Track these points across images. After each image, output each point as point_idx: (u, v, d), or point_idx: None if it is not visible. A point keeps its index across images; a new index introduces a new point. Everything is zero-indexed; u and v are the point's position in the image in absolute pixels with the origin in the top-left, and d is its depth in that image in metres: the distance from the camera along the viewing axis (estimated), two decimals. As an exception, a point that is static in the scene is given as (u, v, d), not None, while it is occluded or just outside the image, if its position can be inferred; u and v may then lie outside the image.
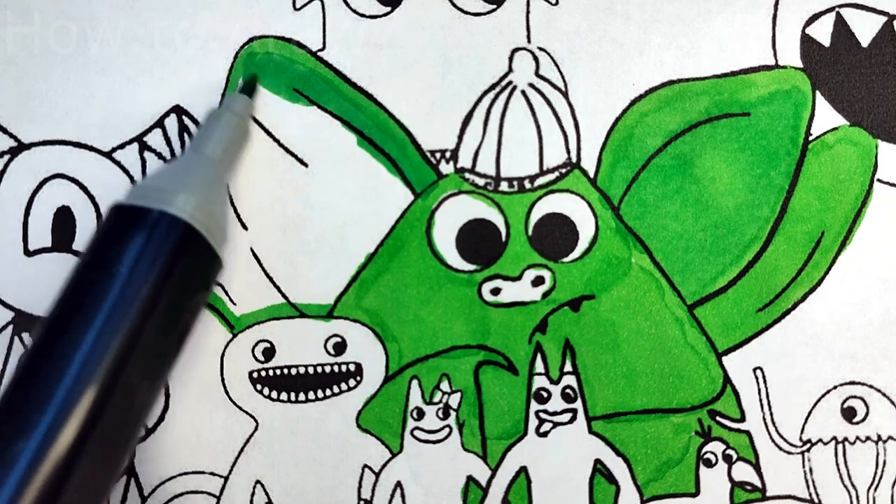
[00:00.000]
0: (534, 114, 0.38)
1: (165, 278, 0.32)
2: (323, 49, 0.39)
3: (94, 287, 0.31)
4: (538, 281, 0.38)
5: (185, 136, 0.39)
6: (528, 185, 0.38)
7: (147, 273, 0.31)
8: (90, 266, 0.32)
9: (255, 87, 0.38)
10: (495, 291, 0.38)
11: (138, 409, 0.32)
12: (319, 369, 0.37)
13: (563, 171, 0.38)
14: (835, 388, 0.37)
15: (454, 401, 0.37)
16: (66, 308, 0.31)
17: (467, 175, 0.38)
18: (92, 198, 0.38)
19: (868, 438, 0.37)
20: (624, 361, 0.37)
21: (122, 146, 0.39)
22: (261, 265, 0.38)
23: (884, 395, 0.37)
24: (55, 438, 0.29)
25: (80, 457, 0.29)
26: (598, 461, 0.37)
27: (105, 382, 0.30)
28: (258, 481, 0.37)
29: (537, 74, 0.39)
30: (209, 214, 0.33)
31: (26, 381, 0.30)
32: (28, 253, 0.38)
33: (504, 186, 0.38)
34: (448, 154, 0.38)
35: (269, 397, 0.37)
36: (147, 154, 0.38)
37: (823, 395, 0.37)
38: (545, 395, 0.37)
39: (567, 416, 0.37)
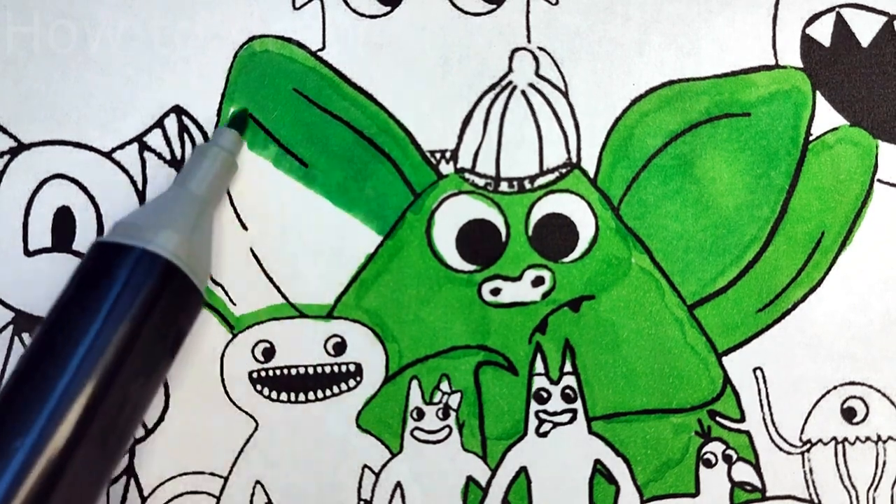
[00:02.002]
0: (534, 114, 0.38)
1: (146, 316, 0.32)
2: (323, 49, 0.39)
3: (75, 324, 0.32)
4: (538, 281, 0.38)
5: (185, 135, 0.38)
6: (527, 185, 0.38)
7: (127, 310, 0.32)
8: (72, 303, 0.32)
9: (245, 122, 0.38)
10: (495, 292, 0.37)
11: (129, 414, 0.33)
12: (319, 369, 0.37)
13: (563, 171, 0.38)
14: (835, 388, 0.37)
15: (454, 401, 0.37)
16: (50, 338, 0.32)
17: (467, 175, 0.38)
18: (92, 198, 0.38)
19: (868, 439, 0.36)
20: (624, 362, 0.37)
21: (121, 146, 0.39)
22: (261, 265, 0.38)
23: (884, 395, 0.37)
24: (50, 437, 0.30)
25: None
26: (597, 461, 0.37)
27: (92, 397, 0.31)
28: (258, 481, 0.37)
29: (537, 74, 0.38)
30: (190, 251, 0.34)
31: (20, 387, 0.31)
32: (28, 253, 0.38)
33: (504, 187, 0.38)
34: (448, 154, 0.38)
35: (268, 397, 0.37)
36: (147, 154, 0.38)
37: (823, 396, 0.37)
38: (545, 395, 0.37)
39: (567, 417, 0.37)
